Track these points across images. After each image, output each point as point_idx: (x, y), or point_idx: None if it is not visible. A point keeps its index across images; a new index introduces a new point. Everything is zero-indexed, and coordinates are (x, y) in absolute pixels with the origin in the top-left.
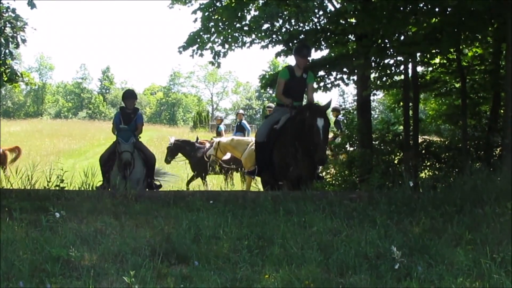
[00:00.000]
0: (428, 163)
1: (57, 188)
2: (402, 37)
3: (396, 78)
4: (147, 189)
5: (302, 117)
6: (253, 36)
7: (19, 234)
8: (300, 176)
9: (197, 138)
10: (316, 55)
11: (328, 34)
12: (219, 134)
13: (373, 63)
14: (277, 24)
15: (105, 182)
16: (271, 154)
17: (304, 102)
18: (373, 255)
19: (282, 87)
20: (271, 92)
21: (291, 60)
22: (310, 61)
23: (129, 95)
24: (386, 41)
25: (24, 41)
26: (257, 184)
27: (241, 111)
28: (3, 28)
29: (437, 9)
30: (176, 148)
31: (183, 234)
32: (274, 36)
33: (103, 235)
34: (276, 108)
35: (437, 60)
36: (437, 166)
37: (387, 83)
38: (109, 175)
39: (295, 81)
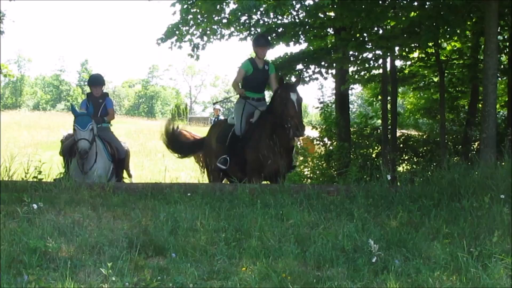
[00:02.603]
0: (406, 157)
1: (35, 179)
2: (380, 31)
3: (375, 72)
4: None
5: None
6: (232, 28)
7: None
8: (277, 170)
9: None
10: (294, 48)
11: (307, 27)
12: None
13: (351, 57)
14: (255, 17)
15: (66, 173)
16: (244, 149)
17: (266, 93)
18: (350, 248)
19: (241, 77)
20: None
21: (270, 55)
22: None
23: (96, 82)
24: (365, 34)
25: (1, 32)
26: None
27: (217, 107)
28: None
29: (415, 3)
30: None
31: (161, 226)
32: (252, 29)
33: (81, 226)
34: (241, 100)
35: (415, 54)
36: (415, 160)
37: (366, 77)
38: (69, 165)
39: (258, 73)
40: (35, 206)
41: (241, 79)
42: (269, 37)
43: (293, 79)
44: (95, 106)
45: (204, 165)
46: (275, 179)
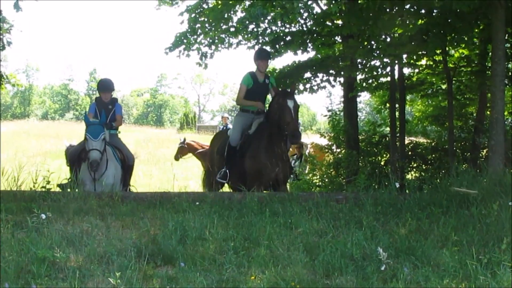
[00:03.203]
0: (415, 164)
1: (43, 189)
2: (388, 39)
3: (383, 79)
4: None
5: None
6: (240, 37)
7: (4, 235)
8: (276, 178)
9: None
10: (302, 57)
11: (315, 35)
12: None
13: (359, 65)
14: (263, 26)
15: (73, 181)
16: (243, 160)
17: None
18: (359, 256)
19: (244, 93)
20: None
21: (278, 63)
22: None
23: (106, 87)
24: (373, 42)
25: (9, 43)
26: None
27: (226, 115)
28: None
29: (423, 11)
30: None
31: (169, 235)
32: (260, 37)
33: (89, 236)
34: (240, 113)
35: (423, 62)
36: (424, 167)
37: (374, 85)
38: (77, 173)
39: (258, 86)
40: (43, 216)
41: (244, 94)
42: (277, 46)
43: (301, 87)
44: (105, 111)
45: (207, 173)
46: (276, 187)
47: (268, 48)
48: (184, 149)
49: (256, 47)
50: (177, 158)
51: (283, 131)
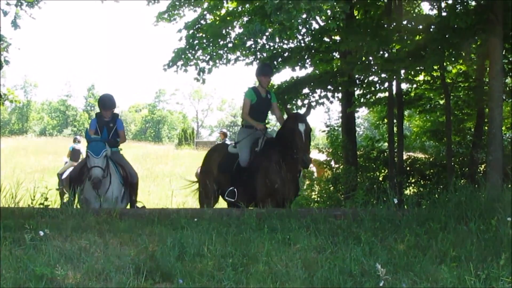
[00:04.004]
0: (413, 180)
1: (41, 206)
2: (386, 54)
3: (381, 95)
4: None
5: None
6: (238, 53)
7: (2, 252)
8: (284, 196)
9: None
10: (300, 73)
11: (313, 51)
12: None
13: (357, 80)
14: (261, 41)
15: (72, 199)
16: (253, 179)
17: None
18: (357, 273)
19: (248, 108)
20: None
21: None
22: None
23: (107, 105)
24: (370, 58)
25: (7, 62)
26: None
27: (224, 130)
28: None
29: (420, 26)
30: None
31: (168, 252)
32: (258, 53)
33: (87, 253)
34: (243, 129)
35: (421, 77)
36: (422, 182)
37: (372, 100)
38: (77, 190)
39: (261, 102)
40: (41, 232)
41: (248, 109)
42: (275, 62)
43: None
44: (106, 128)
45: (201, 184)
46: (282, 205)
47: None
48: None
49: (255, 63)
50: None
51: (294, 155)
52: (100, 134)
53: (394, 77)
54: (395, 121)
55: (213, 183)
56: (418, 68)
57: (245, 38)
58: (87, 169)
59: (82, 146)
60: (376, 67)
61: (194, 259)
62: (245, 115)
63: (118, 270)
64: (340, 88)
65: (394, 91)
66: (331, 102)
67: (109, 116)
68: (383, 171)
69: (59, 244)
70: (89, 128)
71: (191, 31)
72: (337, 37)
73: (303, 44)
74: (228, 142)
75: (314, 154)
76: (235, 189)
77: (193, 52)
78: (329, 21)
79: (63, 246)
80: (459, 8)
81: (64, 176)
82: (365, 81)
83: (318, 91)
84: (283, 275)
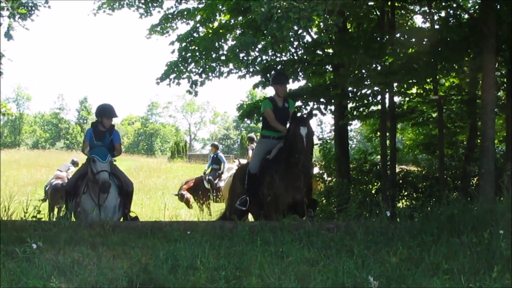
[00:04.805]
0: (406, 193)
1: (34, 219)
2: (379, 67)
3: (373, 108)
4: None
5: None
6: (230, 66)
7: None
8: (293, 204)
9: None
10: (293, 85)
11: (305, 64)
12: (216, 161)
13: (350, 93)
14: (254, 54)
15: (69, 213)
16: (262, 185)
17: None
18: (350, 285)
19: (273, 116)
20: (249, 122)
21: (269, 91)
22: (288, 90)
23: (108, 113)
24: (363, 71)
25: (0, 73)
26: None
27: (215, 143)
28: None
29: (413, 39)
30: None
31: (161, 264)
32: (251, 66)
33: (80, 266)
34: (261, 140)
35: (414, 90)
36: (414, 195)
37: (364, 113)
38: (71, 202)
39: (278, 111)
40: (34, 245)
41: (274, 116)
42: (268, 75)
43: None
44: (101, 138)
45: (227, 205)
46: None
47: (259, 77)
48: (185, 197)
49: (247, 76)
50: (191, 207)
51: (295, 160)
52: None
53: (387, 90)
54: (387, 134)
55: (235, 198)
56: (410, 81)
57: (238, 50)
58: (91, 175)
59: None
60: (369, 80)
61: (187, 271)
62: (273, 122)
63: (111, 283)
64: (333, 101)
65: (387, 104)
66: (324, 115)
67: (108, 126)
68: (375, 184)
69: (52, 257)
70: (84, 140)
71: (183, 44)
72: (330, 50)
73: (296, 57)
74: (220, 154)
75: None
76: (247, 198)
77: (186, 65)
78: (322, 34)
79: (56, 259)
80: (452, 21)
81: (48, 187)
82: (358, 94)
83: (311, 103)
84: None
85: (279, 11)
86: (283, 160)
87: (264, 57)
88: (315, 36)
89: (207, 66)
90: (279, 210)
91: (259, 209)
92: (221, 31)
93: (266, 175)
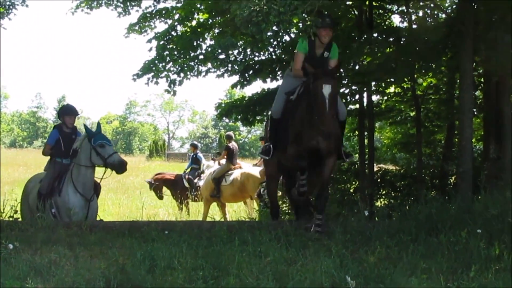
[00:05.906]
0: (384, 192)
1: (11, 219)
2: (357, 67)
3: (352, 106)
4: None
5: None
6: (209, 65)
7: None
8: (318, 149)
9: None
10: (272, 84)
11: (284, 63)
12: (196, 161)
13: None
14: (233, 53)
15: (48, 214)
16: (287, 130)
17: None
18: (328, 285)
19: (301, 62)
20: (227, 120)
21: (247, 90)
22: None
23: (70, 111)
24: (341, 70)
25: None
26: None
27: (194, 143)
28: None
29: (391, 39)
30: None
31: (138, 265)
32: (229, 65)
33: (57, 266)
34: (287, 74)
35: (392, 89)
36: (393, 194)
37: None
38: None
39: (313, 60)
40: (11, 246)
41: (301, 63)
42: (246, 75)
43: None
44: (68, 141)
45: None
46: (320, 164)
47: (237, 76)
48: (156, 186)
49: (226, 75)
50: (160, 197)
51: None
52: (63, 146)
53: (365, 89)
54: (366, 133)
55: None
56: (388, 80)
57: (217, 51)
58: (102, 161)
59: None
60: (347, 79)
61: (165, 272)
62: (296, 70)
63: (88, 283)
64: None
65: (365, 103)
66: None
67: (71, 125)
68: (354, 183)
69: (28, 258)
70: (46, 142)
71: (161, 42)
72: None
73: (274, 57)
74: (200, 154)
75: None
76: (271, 146)
77: (164, 64)
78: (300, 34)
79: (32, 260)
80: (429, 21)
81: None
82: None
83: None
84: (254, 287)
85: (259, 14)
86: (305, 102)
87: (242, 57)
88: (293, 36)
89: (185, 65)
90: (300, 152)
91: (284, 157)
92: (199, 29)
93: (291, 117)
